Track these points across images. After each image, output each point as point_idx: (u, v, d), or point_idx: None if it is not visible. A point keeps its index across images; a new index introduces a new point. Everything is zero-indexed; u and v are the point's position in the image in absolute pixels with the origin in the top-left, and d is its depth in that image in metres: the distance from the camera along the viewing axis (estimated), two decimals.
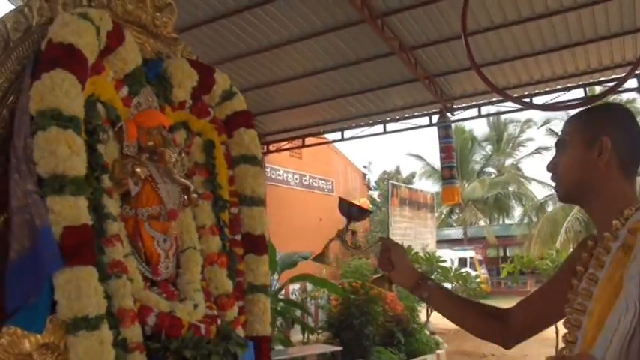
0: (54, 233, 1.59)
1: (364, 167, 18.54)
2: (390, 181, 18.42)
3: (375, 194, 28.15)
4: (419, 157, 28.06)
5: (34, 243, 1.64)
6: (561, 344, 1.26)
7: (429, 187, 26.85)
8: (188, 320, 1.91)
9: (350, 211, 1.76)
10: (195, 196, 2.14)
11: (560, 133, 1.36)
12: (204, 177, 2.33)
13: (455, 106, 9.43)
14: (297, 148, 11.11)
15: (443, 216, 29.04)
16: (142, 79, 2.09)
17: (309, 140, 11.02)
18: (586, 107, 1.39)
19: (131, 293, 1.80)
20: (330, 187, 15.31)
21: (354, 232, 1.78)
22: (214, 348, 1.90)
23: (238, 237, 2.39)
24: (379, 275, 1.65)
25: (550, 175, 1.36)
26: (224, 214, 2.34)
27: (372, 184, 25.57)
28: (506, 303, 1.76)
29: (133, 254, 1.93)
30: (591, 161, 1.27)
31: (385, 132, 10.16)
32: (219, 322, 2.06)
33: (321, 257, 1.82)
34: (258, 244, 2.41)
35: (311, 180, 14.29)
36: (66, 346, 1.62)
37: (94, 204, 1.74)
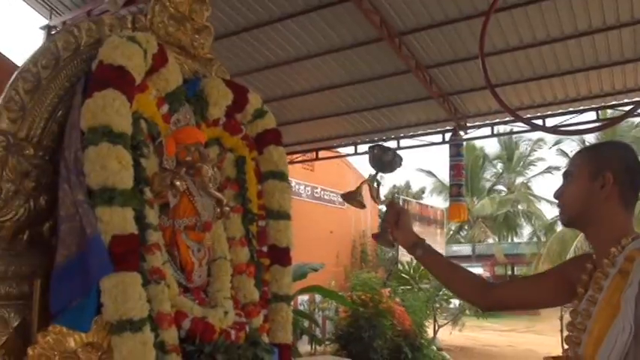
0: (103, 241, 1.72)
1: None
2: (401, 196, 18.49)
3: (384, 208, 28.27)
4: (429, 173, 28.12)
5: (81, 249, 1.76)
6: None
7: (439, 202, 26.84)
8: (220, 326, 2.03)
9: (382, 157, 1.81)
10: (227, 209, 2.27)
11: (568, 165, 1.51)
12: (235, 191, 2.46)
13: (468, 125, 9.53)
14: (310, 160, 11.25)
15: (452, 232, 29.00)
16: (182, 98, 2.23)
17: (322, 153, 11.16)
18: (594, 144, 1.54)
19: (168, 299, 1.92)
20: (341, 200, 15.49)
21: (379, 184, 1.92)
22: (244, 353, 2.02)
23: (265, 249, 2.51)
24: (380, 231, 1.76)
25: (557, 201, 1.51)
26: (253, 227, 2.47)
27: (382, 197, 25.78)
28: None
29: (169, 262, 2.06)
30: (594, 193, 1.42)
31: (398, 147, 10.27)
32: (247, 328, 2.17)
33: (352, 195, 1.92)
34: (283, 256, 2.54)
35: (322, 192, 14.41)
36: (109, 346, 1.73)
37: (136, 214, 1.87)
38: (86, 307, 1.73)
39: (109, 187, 1.74)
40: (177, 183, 2.07)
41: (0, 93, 1.94)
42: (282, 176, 2.58)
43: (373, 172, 1.88)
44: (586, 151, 1.51)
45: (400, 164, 1.94)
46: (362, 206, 1.92)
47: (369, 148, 1.89)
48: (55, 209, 1.91)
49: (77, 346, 1.74)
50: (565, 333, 1.43)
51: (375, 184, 1.91)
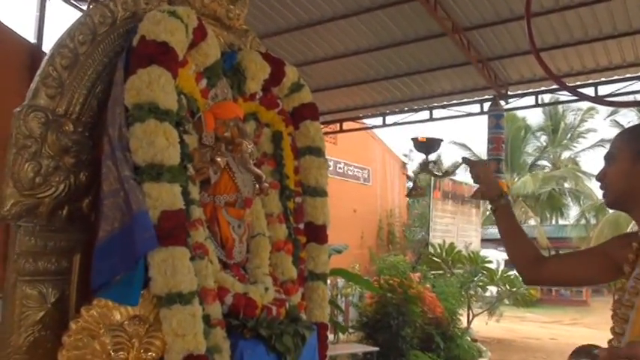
0: (149, 216, 1.95)
1: (405, 155, 18.72)
2: (434, 170, 18.66)
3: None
4: (464, 146, 27.95)
5: (125, 224, 1.97)
6: (610, 337, 1.59)
7: None
8: (261, 302, 2.28)
9: (427, 145, 2.21)
10: (266, 185, 2.50)
11: (610, 147, 1.70)
12: (272, 167, 2.69)
13: (509, 93, 9.56)
14: (334, 132, 11.39)
15: (488, 212, 29.02)
16: (220, 72, 2.45)
17: (347, 125, 11.30)
18: (635, 124, 1.71)
19: (211, 274, 2.17)
20: (366, 176, 15.60)
21: (435, 162, 2.24)
22: (285, 329, 2.26)
23: (301, 226, 2.75)
24: (474, 191, 2.12)
25: (600, 183, 1.71)
26: (290, 203, 2.71)
27: (410, 172, 25.69)
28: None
29: (210, 238, 2.29)
30: (637, 174, 1.61)
31: (431, 118, 10.37)
32: (287, 305, 2.42)
33: (414, 191, 2.22)
34: (319, 234, 2.78)
35: (346, 168, 14.59)
36: (156, 318, 1.96)
37: (182, 190, 2.09)
38: (133, 280, 1.95)
39: (157, 164, 1.96)
40: (219, 159, 2.30)
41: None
42: (319, 152, 2.81)
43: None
44: (628, 133, 1.67)
45: (440, 142, 2.36)
46: (422, 194, 2.32)
47: (413, 141, 2.25)
48: (95, 185, 2.13)
49: (123, 319, 1.96)
50: (610, 324, 1.58)
51: (433, 165, 2.25)
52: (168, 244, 1.93)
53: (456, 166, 2.31)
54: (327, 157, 2.88)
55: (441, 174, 2.30)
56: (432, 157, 2.31)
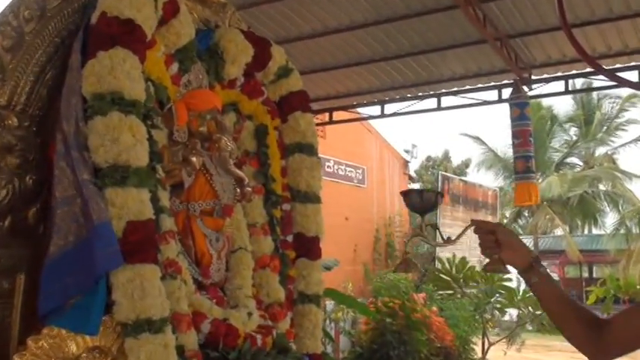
0: (112, 228, 1.98)
1: (406, 152, 18.80)
2: (440, 172, 18.70)
3: (417, 187, 28.37)
4: (477, 140, 28.09)
5: (82, 237, 2.01)
6: None
7: (489, 180, 27.01)
8: (243, 329, 2.33)
9: (421, 201, 2.01)
10: (249, 189, 2.54)
11: None
12: (255, 167, 2.75)
13: (533, 77, 9.62)
14: (322, 124, 11.40)
15: (506, 220, 29.14)
16: (193, 55, 2.49)
17: (337, 115, 11.30)
18: None
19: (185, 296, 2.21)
20: (361, 177, 15.60)
21: (434, 226, 2.13)
22: None
23: (289, 238, 2.81)
24: (490, 260, 1.95)
25: None
26: (276, 211, 2.77)
27: (412, 172, 25.81)
28: None
29: (182, 253, 2.34)
30: None
31: (439, 108, 10.40)
32: (274, 333, 2.47)
33: (402, 266, 2.14)
34: (311, 247, 2.84)
35: (336, 167, 14.57)
36: (120, 350, 2.01)
37: (150, 197, 2.13)
38: (92, 305, 1.97)
39: (122, 165, 2.00)
40: (193, 159, 2.35)
41: None
42: (311, 149, 2.86)
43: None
44: None
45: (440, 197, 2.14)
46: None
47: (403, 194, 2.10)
48: (44, 191, 2.16)
49: (80, 352, 1.98)
50: None
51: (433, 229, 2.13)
52: (135, 260, 1.98)
53: (464, 229, 2.09)
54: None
55: (442, 241, 2.12)
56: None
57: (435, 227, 2.16)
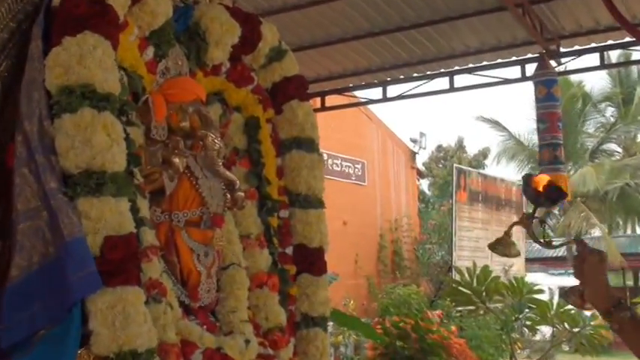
0: (87, 245, 2.01)
1: (413, 141, 18.76)
2: (454, 164, 18.75)
3: (425, 184, 28.43)
4: (496, 125, 28.12)
5: (49, 257, 2.04)
6: None
7: (513, 172, 27.02)
8: None
9: (546, 192, 2.08)
10: (241, 194, 2.59)
11: None
12: (247, 168, 2.80)
13: (562, 50, 9.66)
14: (313, 111, 11.47)
15: (535, 219, 29.19)
16: (171, 37, 2.54)
17: (331, 100, 11.31)
18: None
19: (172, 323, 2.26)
20: (360, 172, 15.54)
21: (542, 222, 2.17)
22: None
23: (289, 250, 2.86)
24: (571, 286, 2.00)
25: None
26: (273, 219, 2.81)
27: (421, 165, 25.87)
28: None
29: (166, 272, 2.38)
30: None
31: (452, 88, 10.41)
32: None
33: (500, 245, 2.18)
34: (315, 261, 2.89)
35: (331, 161, 14.51)
36: None
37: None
38: (66, 337, 2.00)
39: (96, 171, 2.04)
40: (175, 160, 2.39)
41: None
42: (311, 145, 2.91)
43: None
44: None
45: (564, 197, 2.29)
46: (517, 254, 2.14)
47: (524, 178, 2.18)
48: (2, 203, 2.20)
49: None
50: None
51: (540, 224, 2.19)
52: (116, 283, 2.02)
53: (565, 241, 2.15)
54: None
55: (544, 242, 2.16)
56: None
57: (543, 222, 2.23)
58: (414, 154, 18.37)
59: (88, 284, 1.99)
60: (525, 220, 2.14)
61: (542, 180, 2.15)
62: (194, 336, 2.34)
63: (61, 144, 2.06)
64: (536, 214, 2.13)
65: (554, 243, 2.19)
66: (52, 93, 2.09)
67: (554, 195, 2.14)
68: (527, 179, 2.17)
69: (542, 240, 2.18)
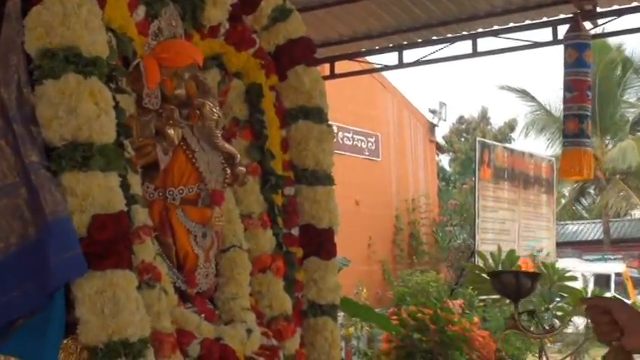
0: (75, 224, 2.03)
1: (432, 112, 18.68)
2: (477, 137, 18.70)
3: (446, 160, 28.39)
4: (524, 94, 28.01)
5: (29, 238, 2.05)
6: None
7: (542, 146, 26.96)
8: (242, 352, 2.41)
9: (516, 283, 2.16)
10: (242, 169, 2.60)
11: None
12: (248, 140, 2.80)
13: (598, 10, 9.62)
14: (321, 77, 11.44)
15: (566, 199, 29.20)
16: None
17: (341, 66, 11.28)
18: None
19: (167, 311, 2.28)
20: (374, 147, 15.47)
21: (531, 313, 2.18)
22: None
23: (295, 231, 2.88)
24: (609, 349, 1.97)
25: None
26: (277, 197, 2.82)
27: (440, 139, 25.79)
28: None
29: (160, 255, 2.40)
30: None
31: (475, 53, 10.39)
32: (280, 355, 2.55)
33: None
34: (324, 243, 2.90)
35: (341, 134, 14.45)
36: None
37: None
38: (47, 326, 2.04)
39: (83, 142, 2.06)
40: (169, 131, 2.40)
41: None
42: (319, 115, 2.92)
43: None
44: None
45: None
46: None
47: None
48: None
49: None
50: None
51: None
52: (105, 266, 2.05)
53: (571, 313, 2.15)
54: None
55: (541, 332, 2.17)
56: None
57: (532, 314, 2.25)
58: (433, 126, 18.28)
59: (73, 267, 2.02)
60: (513, 323, 2.27)
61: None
62: (191, 325, 2.36)
63: (43, 113, 2.07)
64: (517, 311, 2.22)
65: (554, 330, 2.23)
66: (33, 57, 2.11)
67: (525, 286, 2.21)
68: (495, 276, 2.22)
69: (538, 332, 2.21)
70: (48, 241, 2.00)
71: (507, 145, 21.32)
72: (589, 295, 12.60)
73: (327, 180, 2.93)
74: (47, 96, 2.08)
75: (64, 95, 2.07)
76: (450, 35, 10.69)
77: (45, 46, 2.09)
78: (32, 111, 2.09)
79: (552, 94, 25.77)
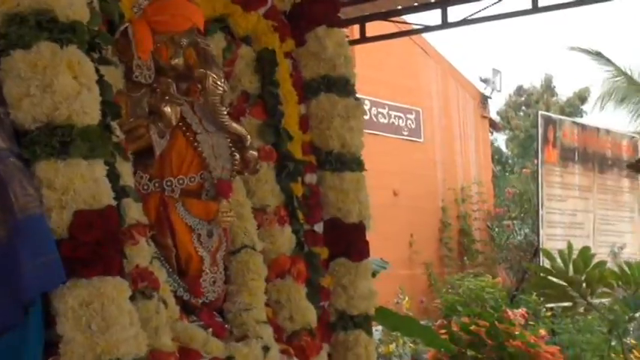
0: (52, 224, 2.06)
1: (484, 82, 18.52)
2: (540, 111, 18.61)
3: (502, 139, 28.23)
4: (598, 57, 27.80)
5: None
6: None
7: (623, 121, 26.77)
8: None
9: None
10: (254, 154, 2.60)
11: None
12: (260, 118, 2.81)
13: None
14: (350, 43, 11.41)
15: None
16: None
17: (371, 27, 11.25)
18: None
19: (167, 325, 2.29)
20: (414, 125, 15.27)
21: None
22: None
23: (319, 227, 2.89)
24: None
25: None
26: (296, 186, 2.83)
27: (495, 114, 25.72)
28: None
29: (158, 259, 2.42)
30: None
31: (535, 8, 10.38)
32: None
33: None
34: (353, 242, 2.91)
35: (375, 110, 14.31)
36: None
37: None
38: (23, 346, 2.06)
39: (61, 124, 2.07)
40: (166, 109, 2.41)
41: None
42: (344, 86, 2.93)
43: None
44: None
45: None
46: None
47: None
48: None
49: None
50: None
51: None
52: (91, 273, 2.06)
53: None
54: None
55: None
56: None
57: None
58: (485, 98, 18.14)
59: (50, 276, 2.03)
60: None
61: None
62: (196, 342, 2.38)
63: (12, 90, 2.09)
64: None
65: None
66: None
67: None
68: None
69: None
70: (18, 244, 2.01)
71: (577, 119, 21.20)
72: None
73: (356, 165, 2.94)
74: (16, 69, 2.09)
75: (36, 68, 2.08)
76: None
77: (12, 10, 2.11)
78: None
79: (634, 57, 25.54)
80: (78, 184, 2.08)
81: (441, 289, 13.03)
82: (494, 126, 19.17)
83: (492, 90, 18.57)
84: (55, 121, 2.09)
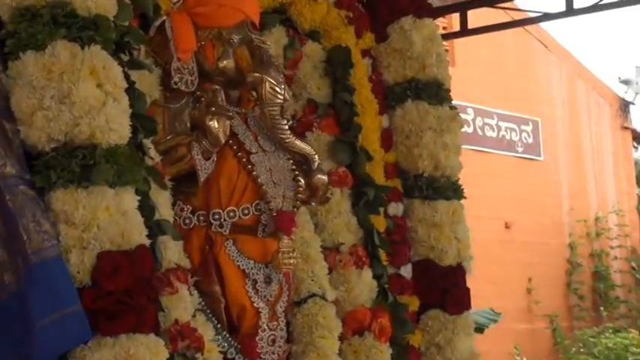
0: (71, 267, 2.08)
1: (624, 84, 18.32)
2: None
3: None
4: None
5: (3, 291, 2.10)
6: None
7: None
8: None
9: None
10: (324, 178, 2.61)
11: None
12: (332, 133, 2.83)
13: None
14: (448, 37, 11.40)
15: None
16: None
17: (474, 17, 11.23)
18: None
19: None
20: (531, 139, 15.20)
21: None
22: None
23: (406, 271, 2.90)
24: None
25: None
26: (378, 220, 2.84)
27: (638, 123, 25.45)
28: None
29: (202, 311, 2.44)
30: None
31: None
32: None
33: None
34: (450, 289, 2.92)
35: (480, 120, 14.30)
36: None
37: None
38: None
39: (82, 145, 2.10)
40: (213, 124, 2.42)
41: None
42: (437, 91, 2.94)
43: None
44: None
45: None
46: None
47: None
48: None
49: None
50: None
51: None
52: (119, 329, 2.08)
53: None
54: None
55: None
56: None
57: None
58: (626, 105, 17.99)
59: (69, 332, 2.05)
60: None
61: None
62: None
63: (22, 102, 2.11)
64: None
65: None
66: (4, 19, 2.17)
67: None
68: None
69: None
70: (30, 295, 2.03)
71: None
72: None
73: (453, 191, 2.94)
74: (27, 76, 2.12)
75: (51, 74, 2.11)
76: None
77: (22, 4, 2.14)
78: (5, 99, 2.15)
79: None
80: (103, 219, 2.10)
81: (570, 349, 12.96)
82: (638, 139, 18.88)
83: (636, 94, 18.32)
84: (75, 140, 2.11)
